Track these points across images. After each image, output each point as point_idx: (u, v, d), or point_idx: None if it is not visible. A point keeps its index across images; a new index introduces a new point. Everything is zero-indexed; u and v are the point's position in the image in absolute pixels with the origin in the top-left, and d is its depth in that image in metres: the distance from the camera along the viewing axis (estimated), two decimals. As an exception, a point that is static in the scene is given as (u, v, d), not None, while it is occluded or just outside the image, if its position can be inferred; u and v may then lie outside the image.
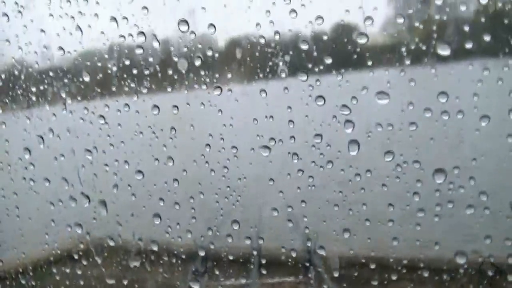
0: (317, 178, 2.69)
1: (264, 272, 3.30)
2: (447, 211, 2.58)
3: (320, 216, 2.91)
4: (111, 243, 2.69)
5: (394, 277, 2.75)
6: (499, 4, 2.40)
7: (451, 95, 2.26)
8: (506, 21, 2.35)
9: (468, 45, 2.11)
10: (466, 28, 2.12)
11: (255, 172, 2.85)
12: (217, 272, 3.24)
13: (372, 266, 2.82)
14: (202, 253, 3.07)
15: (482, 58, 2.29)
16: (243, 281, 3.38)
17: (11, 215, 3.14)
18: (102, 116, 2.82)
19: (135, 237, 2.83)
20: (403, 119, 2.45)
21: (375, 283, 2.80)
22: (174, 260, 2.97)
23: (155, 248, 2.64)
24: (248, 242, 2.93)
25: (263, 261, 3.24)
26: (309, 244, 3.68)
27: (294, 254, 3.10)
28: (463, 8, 2.14)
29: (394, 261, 2.87)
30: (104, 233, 2.72)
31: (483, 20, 2.21)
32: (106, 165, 2.79)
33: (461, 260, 2.49)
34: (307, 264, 3.28)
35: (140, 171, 2.70)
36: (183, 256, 2.92)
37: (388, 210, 2.67)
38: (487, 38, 2.11)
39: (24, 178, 2.99)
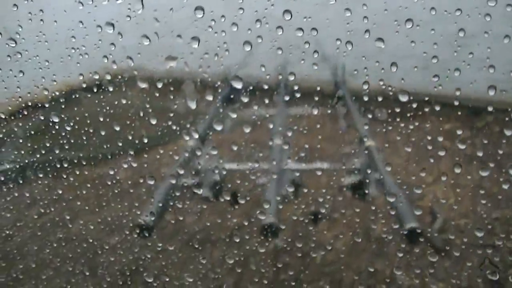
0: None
1: (291, 102, 3.30)
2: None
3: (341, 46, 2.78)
4: (146, 43, 2.55)
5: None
6: None
7: None
8: None
9: None
10: None
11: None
12: (244, 101, 3.24)
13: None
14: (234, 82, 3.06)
15: None
16: (271, 110, 3.40)
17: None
18: None
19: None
20: None
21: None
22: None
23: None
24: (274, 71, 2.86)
25: (291, 92, 3.23)
26: (337, 75, 3.66)
27: (321, 85, 3.07)
28: None
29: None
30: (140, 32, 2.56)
31: None
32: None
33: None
34: (335, 95, 3.29)
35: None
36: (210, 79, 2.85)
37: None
38: None
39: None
